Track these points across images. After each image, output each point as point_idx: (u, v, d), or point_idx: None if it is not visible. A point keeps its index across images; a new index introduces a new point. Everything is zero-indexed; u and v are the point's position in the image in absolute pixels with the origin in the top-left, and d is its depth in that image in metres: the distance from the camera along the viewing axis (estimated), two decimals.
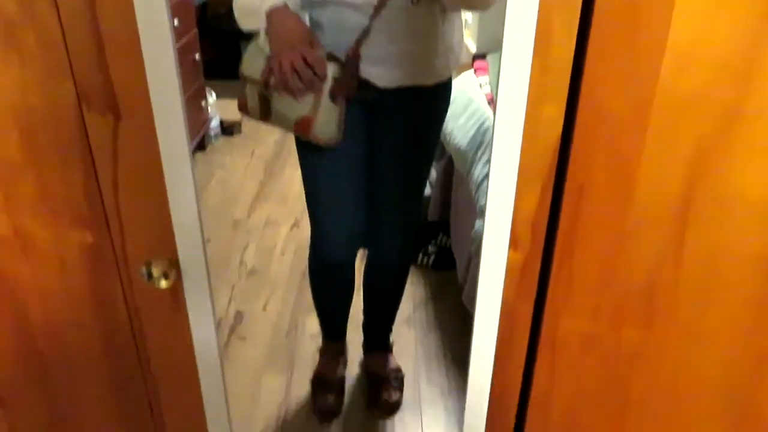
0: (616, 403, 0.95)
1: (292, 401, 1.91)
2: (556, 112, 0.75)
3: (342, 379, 1.91)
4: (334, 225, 1.58)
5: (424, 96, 1.42)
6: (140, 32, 0.67)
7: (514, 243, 0.84)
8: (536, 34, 0.70)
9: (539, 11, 0.69)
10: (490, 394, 0.94)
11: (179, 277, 0.83)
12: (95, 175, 0.77)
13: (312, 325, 2.22)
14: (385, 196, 1.56)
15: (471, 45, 2.93)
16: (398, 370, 1.90)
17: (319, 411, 1.83)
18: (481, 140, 2.08)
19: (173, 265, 0.81)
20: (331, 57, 1.30)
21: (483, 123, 2.12)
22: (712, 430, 0.97)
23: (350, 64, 1.30)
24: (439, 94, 1.47)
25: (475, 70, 2.51)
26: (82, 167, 0.77)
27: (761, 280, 0.84)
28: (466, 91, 2.38)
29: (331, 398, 1.83)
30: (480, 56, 2.68)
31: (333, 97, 1.30)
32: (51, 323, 0.89)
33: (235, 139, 3.66)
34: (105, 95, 0.71)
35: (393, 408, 1.82)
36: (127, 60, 0.69)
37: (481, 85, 2.35)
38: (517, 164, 0.78)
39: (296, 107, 1.30)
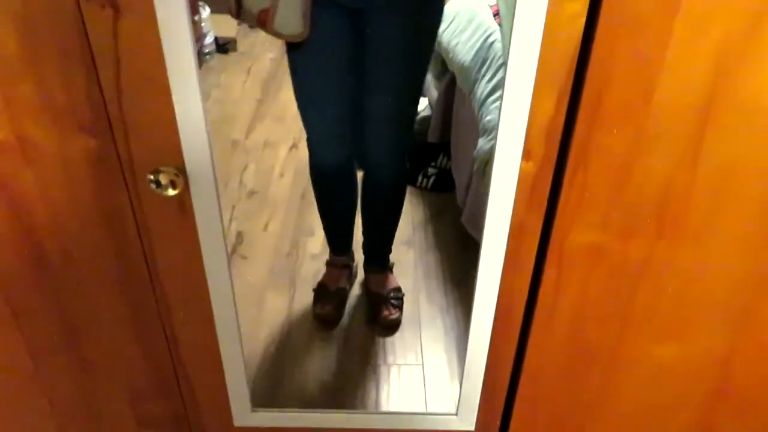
0: (620, 314, 0.96)
1: (295, 320, 1.94)
2: (579, 9, 0.71)
3: (343, 291, 1.94)
4: (320, 127, 1.59)
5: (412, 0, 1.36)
6: None
7: (526, 153, 0.82)
8: None
9: None
10: (497, 306, 0.95)
11: (186, 186, 0.82)
12: (97, 77, 0.74)
13: (313, 246, 2.23)
14: (374, 108, 1.50)
15: None
16: (398, 290, 1.91)
17: (317, 318, 1.89)
18: (486, 56, 2.02)
19: (181, 173, 0.79)
20: None
21: (488, 37, 2.05)
22: (710, 340, 0.99)
23: None
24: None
25: None
26: (83, 69, 0.73)
27: None
28: (470, 4, 2.29)
29: (329, 307, 1.87)
30: None
31: None
32: (57, 231, 0.87)
33: (231, 57, 3.54)
34: None
35: (392, 325, 1.84)
36: None
37: None
38: (535, 68, 0.75)
39: (259, 0, 1.24)
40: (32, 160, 0.81)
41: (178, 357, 1.04)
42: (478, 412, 1.10)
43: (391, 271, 1.95)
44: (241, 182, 2.56)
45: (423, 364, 1.79)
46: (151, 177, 0.78)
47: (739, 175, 0.82)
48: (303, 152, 2.79)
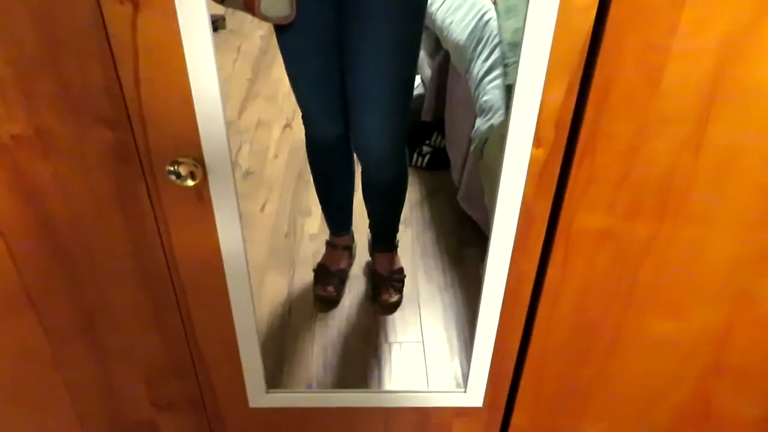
0: (624, 293, 1.00)
1: (295, 301, 1.96)
2: (590, 1, 0.73)
3: (343, 271, 1.97)
4: (312, 105, 1.60)
5: None
6: None
7: (537, 141, 0.84)
8: None
9: None
10: (505, 287, 0.98)
11: (205, 176, 0.83)
12: (115, 70, 0.74)
13: (311, 226, 2.25)
14: (361, 93, 1.47)
15: None
16: (400, 271, 1.94)
17: (317, 298, 1.92)
18: (481, 35, 2.02)
19: (199, 163, 0.81)
20: None
21: (483, 16, 2.05)
22: (709, 317, 1.03)
23: None
24: None
25: None
26: (101, 62, 0.74)
27: None
28: None
29: (329, 287, 1.90)
30: None
31: None
32: (75, 223, 0.88)
33: (220, 35, 3.50)
34: None
35: (392, 307, 1.87)
36: None
37: None
38: (548, 58, 0.76)
39: None
40: (50, 152, 0.81)
41: (195, 341, 1.06)
42: (486, 388, 1.13)
43: (396, 253, 1.97)
44: (236, 163, 2.56)
45: (423, 342, 1.82)
46: (171, 168, 0.80)
47: (739, 159, 0.85)
48: (297, 132, 2.82)
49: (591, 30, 0.76)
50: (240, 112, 2.93)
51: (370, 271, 1.96)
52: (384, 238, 1.94)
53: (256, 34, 3.61)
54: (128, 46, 0.73)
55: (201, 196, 0.85)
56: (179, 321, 1.03)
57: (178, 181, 0.81)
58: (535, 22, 0.74)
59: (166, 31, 0.71)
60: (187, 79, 0.75)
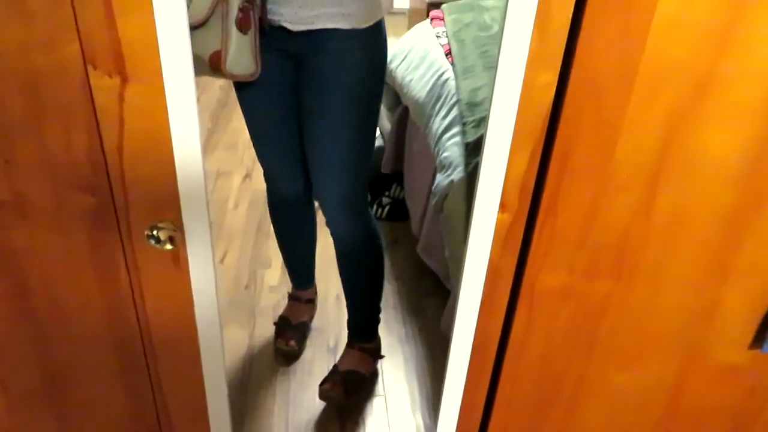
0: (585, 346, 1.05)
1: (255, 353, 1.94)
2: (551, 79, 0.80)
3: (304, 324, 1.96)
4: (271, 162, 1.64)
5: (344, 40, 1.33)
6: None
7: (502, 205, 0.89)
8: (537, 4, 0.74)
9: None
10: (473, 343, 1.02)
11: (183, 241, 0.84)
12: (99, 138, 0.76)
13: (271, 278, 2.25)
14: (315, 153, 1.48)
15: None
16: (359, 377, 1.77)
17: (278, 352, 1.90)
18: (440, 93, 2.10)
19: (178, 228, 0.82)
20: None
21: (441, 75, 2.14)
22: (663, 367, 1.09)
23: None
24: (361, 40, 1.35)
25: (431, 20, 2.51)
26: (85, 130, 0.76)
27: (718, 236, 0.93)
28: (423, 42, 2.38)
29: (291, 342, 1.89)
30: (435, 5, 2.68)
31: (241, 28, 1.28)
32: (48, 284, 0.88)
33: None
34: (112, 56, 0.70)
35: (329, 401, 1.75)
36: (137, 19, 0.67)
37: (438, 36, 2.36)
38: (512, 130, 0.82)
39: (207, 44, 1.29)
40: (28, 215, 0.81)
41: (163, 403, 1.05)
42: None
43: (366, 354, 1.81)
44: (209, 227, 2.55)
45: (385, 395, 1.82)
46: (150, 233, 0.81)
47: (687, 222, 0.92)
48: (257, 182, 2.83)
49: (551, 104, 0.82)
50: None
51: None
52: (354, 328, 1.82)
53: (216, 85, 3.66)
54: (114, 116, 0.75)
55: (177, 259, 0.87)
56: (147, 383, 1.02)
57: (157, 246, 0.82)
58: (501, 96, 0.80)
59: (153, 103, 0.74)
60: (171, 147, 0.77)
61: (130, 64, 0.71)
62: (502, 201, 0.88)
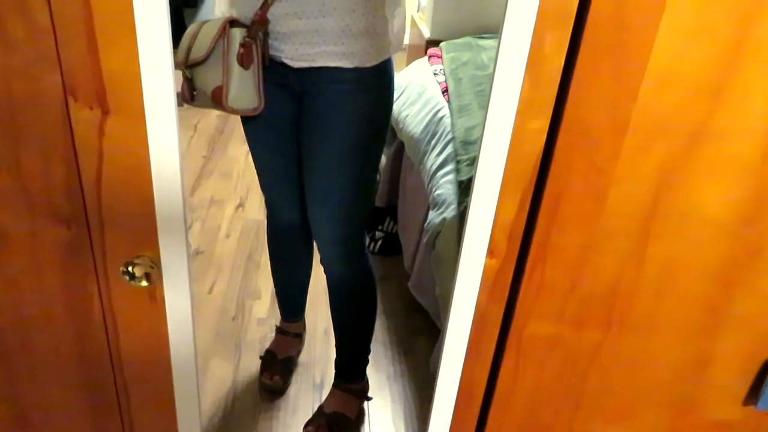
0: (573, 397, 1.02)
1: (240, 388, 1.90)
2: (542, 126, 0.79)
3: (290, 360, 1.93)
4: (270, 191, 1.64)
5: (345, 81, 1.31)
6: (137, 22, 0.64)
7: (490, 251, 0.87)
8: (529, 50, 0.73)
9: (534, 29, 0.72)
10: (458, 389, 0.99)
11: (160, 277, 0.82)
12: (78, 170, 0.74)
13: (259, 310, 2.21)
14: (311, 190, 1.47)
15: (425, 30, 2.95)
16: (345, 421, 1.73)
17: (263, 387, 1.87)
18: (435, 130, 2.11)
19: (155, 264, 0.80)
20: (236, 22, 1.28)
21: (437, 113, 2.15)
22: (652, 420, 1.06)
23: (255, 27, 1.26)
24: (364, 82, 1.32)
25: (429, 58, 2.53)
26: (63, 162, 0.74)
27: (710, 290, 0.91)
28: (420, 79, 2.40)
29: (276, 377, 1.85)
30: (433, 43, 2.70)
31: (242, 63, 1.27)
32: (19, 317, 0.85)
33: (177, 112, 3.53)
34: (94, 88, 0.68)
35: None
36: (120, 51, 0.66)
37: (435, 74, 2.37)
38: (501, 175, 0.81)
39: (210, 79, 1.28)
40: (0, 248, 0.79)
41: None
42: None
43: (356, 397, 1.78)
44: (188, 265, 2.52)
45: None
46: (125, 269, 0.78)
47: (678, 274, 0.90)
48: (249, 212, 2.82)
49: (542, 151, 0.81)
50: (193, 189, 2.93)
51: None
52: (341, 368, 1.79)
53: (214, 113, 3.67)
54: (93, 149, 0.73)
55: (154, 296, 0.84)
56: (119, 423, 0.98)
57: (132, 282, 0.79)
58: (490, 142, 0.79)
59: (134, 137, 0.72)
60: (151, 182, 0.75)
61: (112, 96, 0.69)
62: (490, 247, 0.86)
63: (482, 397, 1.01)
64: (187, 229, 0.81)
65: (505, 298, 0.91)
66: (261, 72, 1.30)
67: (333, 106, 1.34)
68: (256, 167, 1.59)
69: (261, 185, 1.64)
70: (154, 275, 0.80)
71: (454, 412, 1.01)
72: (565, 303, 0.92)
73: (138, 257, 0.79)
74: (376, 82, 1.35)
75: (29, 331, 0.87)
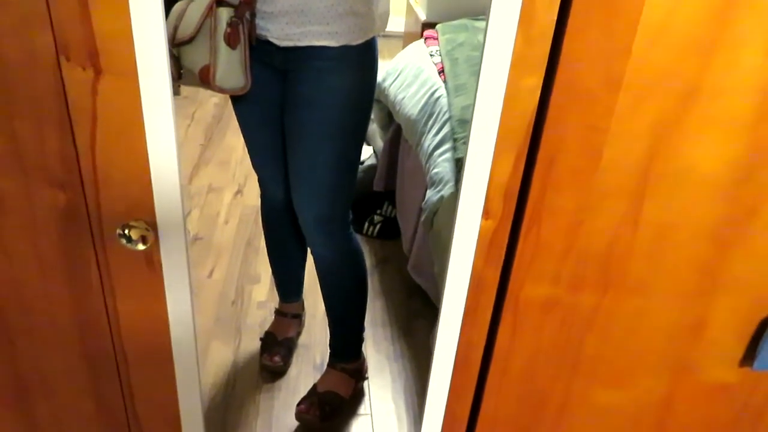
0: (570, 360, 1.02)
1: (240, 370, 1.91)
2: (535, 83, 0.78)
3: (290, 340, 1.93)
4: (264, 171, 1.64)
5: (328, 59, 1.30)
6: None
7: (486, 212, 0.87)
8: (521, 5, 0.73)
9: None
10: (455, 354, 0.99)
11: (156, 241, 0.82)
12: (72, 133, 0.74)
13: (259, 293, 2.22)
14: (293, 169, 1.46)
15: (420, 13, 2.94)
16: (337, 399, 1.74)
17: (263, 368, 1.87)
18: (431, 110, 2.11)
19: (151, 228, 0.80)
20: (223, 1, 1.28)
21: (433, 93, 2.14)
22: (651, 385, 1.06)
23: (242, 8, 1.26)
24: (347, 60, 1.32)
25: (425, 39, 2.52)
26: (57, 124, 0.74)
27: (705, 250, 0.91)
28: (416, 61, 2.39)
29: (276, 357, 1.86)
30: (430, 25, 2.70)
31: (229, 43, 1.27)
32: (16, 284, 0.85)
33: (175, 101, 3.52)
34: (86, 47, 0.68)
35: (303, 423, 1.71)
36: (112, 10, 0.66)
37: (431, 54, 2.37)
38: (496, 134, 0.81)
39: (197, 59, 1.29)
40: None
41: (134, 414, 1.01)
42: None
43: (350, 377, 1.78)
44: (184, 228, 2.53)
45: (372, 414, 1.79)
46: (121, 232, 0.78)
47: (674, 233, 0.90)
48: (248, 198, 2.82)
49: (536, 109, 0.81)
50: (191, 177, 2.93)
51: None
52: (335, 348, 1.79)
53: (211, 102, 3.66)
54: (87, 110, 0.73)
55: (151, 261, 0.84)
56: (119, 392, 0.98)
57: (129, 245, 0.79)
58: (484, 100, 0.79)
59: (127, 96, 0.72)
60: (145, 143, 0.75)
61: (105, 56, 0.69)
62: (485, 207, 0.86)
63: (480, 361, 1.01)
64: (183, 193, 0.81)
65: (502, 261, 0.92)
66: (248, 52, 1.31)
67: (315, 83, 1.34)
68: (246, 145, 1.60)
69: (252, 164, 1.65)
70: (150, 238, 0.80)
71: (452, 377, 1.01)
72: (561, 265, 0.92)
73: (134, 220, 0.79)
74: (359, 60, 1.35)
75: (26, 298, 0.87)
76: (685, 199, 0.87)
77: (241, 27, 1.27)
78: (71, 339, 0.92)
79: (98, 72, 0.71)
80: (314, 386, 1.75)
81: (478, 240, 0.88)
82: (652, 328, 0.99)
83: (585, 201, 0.87)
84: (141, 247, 0.80)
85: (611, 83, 0.79)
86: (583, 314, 0.97)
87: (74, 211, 0.80)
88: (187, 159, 3.07)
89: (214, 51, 1.27)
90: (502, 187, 0.85)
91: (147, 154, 0.76)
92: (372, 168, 2.68)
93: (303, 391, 1.81)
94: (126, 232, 0.79)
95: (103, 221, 0.81)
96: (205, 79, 1.30)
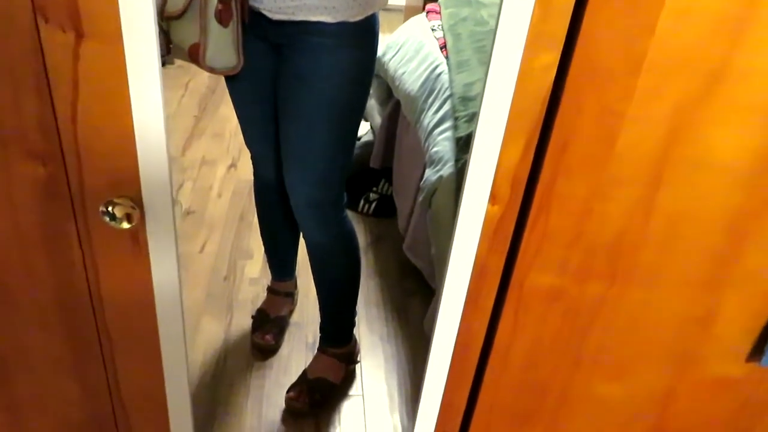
0: (572, 353, 0.99)
1: (231, 347, 1.88)
2: (551, 62, 0.73)
3: (283, 319, 1.90)
4: (256, 148, 1.59)
5: (324, 35, 1.24)
6: None
7: (493, 197, 0.83)
8: None
9: None
10: (455, 342, 0.95)
11: (142, 219, 0.77)
12: (51, 101, 0.69)
13: (252, 269, 2.18)
14: (285, 146, 1.41)
15: None
16: (327, 386, 1.70)
17: (254, 346, 1.84)
18: (432, 87, 2.05)
19: (137, 205, 0.75)
20: None
21: (435, 69, 2.08)
22: (653, 379, 1.03)
23: None
24: (345, 37, 1.26)
25: (426, 13, 2.45)
26: (35, 92, 0.68)
27: (719, 242, 0.87)
28: (417, 35, 2.33)
29: (267, 336, 1.83)
30: None
31: (220, 20, 1.21)
32: None
33: (168, 71, 3.45)
34: (66, 9, 0.62)
35: (293, 410, 1.68)
36: None
37: (433, 29, 2.30)
38: (507, 115, 0.76)
39: (187, 36, 1.22)
40: None
41: (118, 394, 0.98)
42: None
43: (341, 362, 1.75)
44: (176, 201, 2.47)
45: (363, 395, 1.77)
46: (105, 209, 0.74)
47: (687, 224, 0.86)
48: (242, 172, 2.76)
49: (550, 90, 0.76)
50: (184, 149, 2.86)
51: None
52: (326, 332, 1.75)
53: (205, 72, 3.58)
54: (68, 76, 0.68)
55: (137, 240, 0.79)
56: (102, 372, 0.94)
57: (113, 224, 0.74)
58: (495, 79, 0.74)
59: (111, 61, 0.67)
60: (130, 113, 0.70)
61: (87, 18, 0.64)
62: (492, 192, 0.81)
63: (480, 350, 0.98)
64: (172, 167, 0.76)
65: (507, 248, 0.87)
66: (240, 29, 1.24)
67: (309, 61, 1.27)
68: (240, 122, 1.54)
69: (244, 140, 1.60)
70: (135, 217, 0.75)
71: (450, 365, 0.98)
72: (568, 254, 0.88)
73: (119, 197, 0.74)
74: (358, 38, 1.28)
75: (5, 276, 0.82)
76: (701, 188, 0.83)
77: (233, 3, 1.20)
78: (52, 318, 0.87)
79: (80, 35, 0.65)
80: (304, 372, 1.72)
81: (483, 226, 0.84)
82: (658, 320, 0.96)
83: (597, 188, 0.82)
84: (125, 225, 0.75)
85: (632, 63, 0.74)
86: (588, 305, 0.93)
87: (55, 185, 0.75)
88: (180, 130, 3.00)
89: (204, 29, 1.20)
90: (510, 171, 0.80)
91: (132, 125, 0.71)
92: (369, 144, 2.63)
93: (294, 370, 1.78)
94: (110, 209, 0.74)
95: (85, 196, 0.76)
96: (195, 57, 1.24)
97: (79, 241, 0.80)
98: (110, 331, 0.89)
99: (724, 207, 0.84)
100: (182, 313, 0.88)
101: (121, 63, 0.67)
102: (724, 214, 0.85)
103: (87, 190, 0.76)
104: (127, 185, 0.75)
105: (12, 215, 0.77)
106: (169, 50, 1.30)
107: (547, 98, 0.76)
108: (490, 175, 0.80)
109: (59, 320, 0.88)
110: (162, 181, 0.75)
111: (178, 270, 0.83)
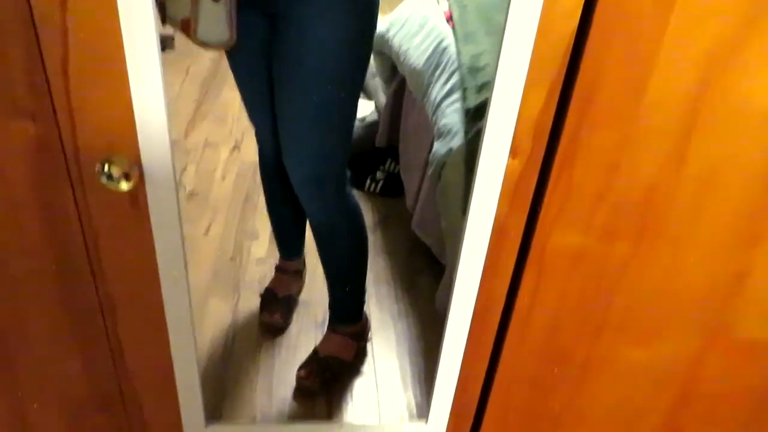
0: (597, 315, 0.94)
1: (239, 327, 1.86)
2: (575, 3, 0.68)
3: (291, 298, 1.86)
4: (260, 123, 1.53)
5: (324, 5, 1.19)
6: None
7: (513, 150, 0.78)
8: None
9: None
10: (474, 306, 0.91)
11: (141, 179, 0.73)
12: (40, 54, 0.64)
13: (258, 250, 2.14)
14: (281, 121, 1.36)
15: None
16: (338, 364, 1.67)
17: (263, 325, 1.81)
18: (439, 60, 2.00)
19: (135, 164, 0.70)
20: None
21: (441, 42, 2.03)
22: (682, 344, 0.99)
23: None
24: (345, 5, 1.21)
25: None
26: (24, 45, 0.63)
27: (755, 196, 0.82)
28: (422, 9, 2.27)
29: (276, 315, 1.80)
30: None
31: None
32: None
33: (168, 56, 3.37)
34: None
35: (301, 390, 1.64)
36: None
37: (438, 2, 2.25)
38: (528, 62, 0.71)
39: (179, 8, 1.17)
40: None
41: (124, 369, 0.94)
42: (449, 419, 1.05)
43: (352, 340, 1.71)
44: (180, 184, 2.43)
45: (375, 372, 1.74)
46: (101, 168, 0.69)
47: (721, 177, 0.81)
48: (245, 154, 2.73)
49: (574, 34, 0.71)
50: (187, 133, 2.82)
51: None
52: (335, 311, 1.72)
53: (206, 56, 3.51)
54: (56, 26, 0.63)
55: (136, 201, 0.75)
56: (106, 345, 0.90)
57: (110, 184, 0.70)
58: (515, 24, 0.69)
59: (102, 8, 0.62)
60: (125, 64, 0.65)
61: None
62: (513, 145, 0.76)
63: (500, 314, 0.93)
64: (170, 122, 0.71)
65: (528, 206, 0.83)
66: (233, 3, 1.17)
67: (305, 31, 1.21)
68: (243, 98, 1.48)
69: (249, 116, 1.54)
70: (134, 176, 0.71)
71: (469, 333, 0.93)
72: (593, 211, 0.83)
73: (116, 155, 0.70)
74: (356, 6, 1.22)
75: (0, 242, 0.78)
76: (736, 139, 0.78)
77: None
78: (50, 289, 0.83)
79: None
80: (315, 351, 1.69)
81: (503, 182, 0.79)
82: (687, 282, 0.91)
83: (624, 140, 0.77)
84: (124, 185, 0.70)
85: (663, 4, 0.68)
86: (614, 266, 0.89)
87: (47, 145, 0.71)
88: (183, 114, 2.96)
89: (195, 2, 1.15)
90: (532, 122, 0.75)
91: (127, 77, 0.66)
92: (374, 124, 2.59)
93: (304, 348, 1.75)
94: (106, 168, 0.69)
95: (80, 156, 0.72)
96: (187, 31, 1.19)
97: (76, 205, 0.75)
98: (113, 299, 0.85)
99: (759, 160, 0.80)
100: (187, 277, 0.83)
101: (113, 9, 0.62)
102: (760, 167, 0.80)
103: (81, 149, 0.71)
104: (124, 142, 0.71)
105: (2, 177, 0.72)
106: (164, 19, 1.25)
107: (571, 43, 0.71)
108: (511, 127, 0.75)
109: (57, 291, 0.83)
110: (161, 137, 0.71)
111: (181, 231, 0.78)
